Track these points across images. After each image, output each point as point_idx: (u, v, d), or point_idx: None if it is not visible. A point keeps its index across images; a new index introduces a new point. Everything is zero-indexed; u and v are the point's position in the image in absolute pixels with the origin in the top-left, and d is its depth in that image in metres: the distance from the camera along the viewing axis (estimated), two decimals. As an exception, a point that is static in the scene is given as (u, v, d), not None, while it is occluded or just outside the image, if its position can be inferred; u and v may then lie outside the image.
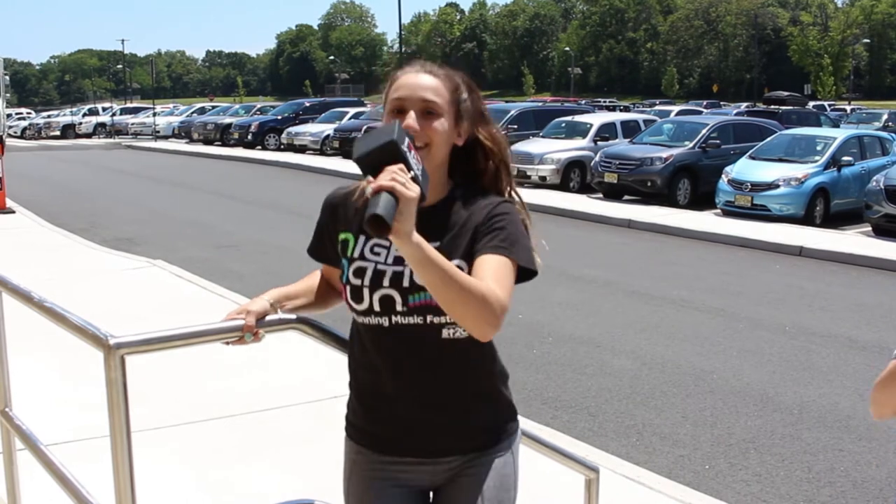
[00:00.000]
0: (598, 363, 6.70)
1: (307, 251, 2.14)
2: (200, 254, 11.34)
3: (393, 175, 1.58)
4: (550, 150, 19.25)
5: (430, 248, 1.65)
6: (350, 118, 28.79)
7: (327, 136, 28.08)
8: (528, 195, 16.94)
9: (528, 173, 18.70)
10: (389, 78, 1.96)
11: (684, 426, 5.41)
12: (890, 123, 28.73)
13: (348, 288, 1.92)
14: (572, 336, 7.42)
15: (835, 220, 14.52)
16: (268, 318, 2.11)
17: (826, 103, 54.05)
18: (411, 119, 1.84)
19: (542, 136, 20.45)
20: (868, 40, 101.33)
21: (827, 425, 5.47)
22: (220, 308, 7.60)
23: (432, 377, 1.92)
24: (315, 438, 4.59)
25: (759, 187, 14.45)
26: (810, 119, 23.75)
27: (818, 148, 15.37)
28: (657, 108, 40.46)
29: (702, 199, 16.07)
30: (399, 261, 1.87)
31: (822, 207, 14.60)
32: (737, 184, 14.73)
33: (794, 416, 5.61)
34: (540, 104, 31.13)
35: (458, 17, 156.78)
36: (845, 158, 14.96)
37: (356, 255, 1.93)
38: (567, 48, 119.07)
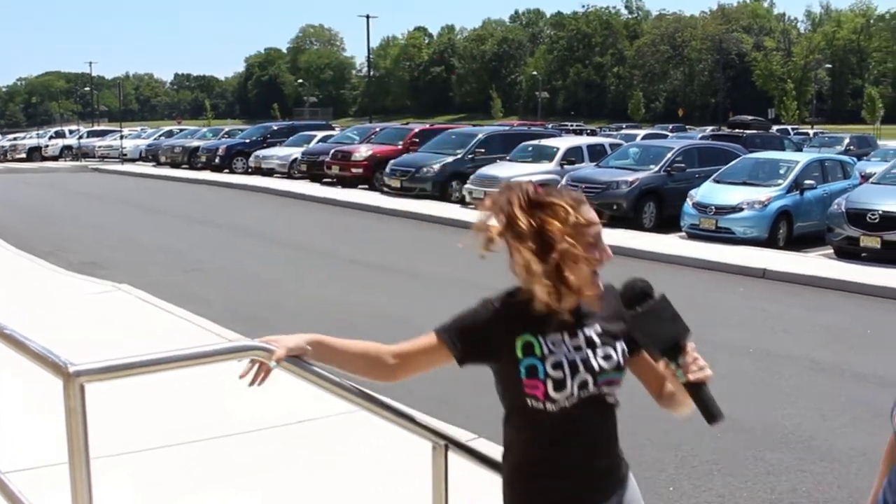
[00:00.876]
0: (565, 386, 6.72)
1: (456, 355, 2.22)
2: (167, 278, 11.26)
3: (701, 364, 2.06)
4: (517, 173, 19.26)
5: None
6: (318, 142, 28.60)
7: (295, 159, 27.91)
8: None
9: (495, 197, 18.73)
10: (567, 204, 2.15)
11: (648, 448, 5.44)
12: (851, 147, 29.19)
13: (549, 382, 2.11)
14: (539, 359, 7.43)
15: (798, 242, 14.71)
16: (236, 343, 2.11)
17: (789, 127, 55.01)
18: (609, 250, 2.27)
19: (510, 160, 20.52)
20: (830, 65, 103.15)
21: (790, 446, 5.54)
22: (185, 333, 7.55)
23: (601, 432, 2.24)
24: (273, 466, 4.57)
25: (723, 210, 14.63)
26: (774, 143, 24.02)
27: (781, 171, 15.59)
28: (624, 131, 40.77)
29: (667, 223, 16.22)
30: (577, 349, 2.16)
31: (786, 230, 14.80)
32: (701, 207, 14.90)
33: (757, 438, 5.67)
34: (507, 128, 31.27)
35: (427, 41, 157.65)
36: (808, 182, 15.19)
37: (546, 352, 2.14)
38: (535, 72, 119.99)
